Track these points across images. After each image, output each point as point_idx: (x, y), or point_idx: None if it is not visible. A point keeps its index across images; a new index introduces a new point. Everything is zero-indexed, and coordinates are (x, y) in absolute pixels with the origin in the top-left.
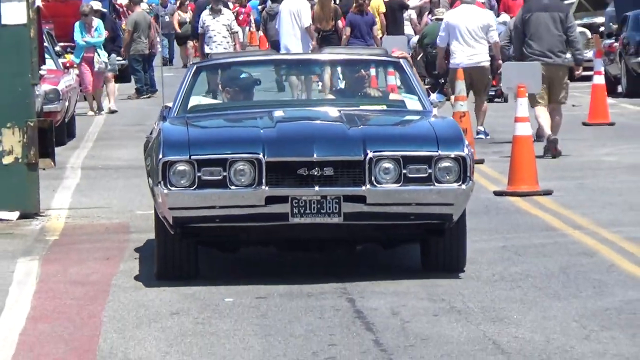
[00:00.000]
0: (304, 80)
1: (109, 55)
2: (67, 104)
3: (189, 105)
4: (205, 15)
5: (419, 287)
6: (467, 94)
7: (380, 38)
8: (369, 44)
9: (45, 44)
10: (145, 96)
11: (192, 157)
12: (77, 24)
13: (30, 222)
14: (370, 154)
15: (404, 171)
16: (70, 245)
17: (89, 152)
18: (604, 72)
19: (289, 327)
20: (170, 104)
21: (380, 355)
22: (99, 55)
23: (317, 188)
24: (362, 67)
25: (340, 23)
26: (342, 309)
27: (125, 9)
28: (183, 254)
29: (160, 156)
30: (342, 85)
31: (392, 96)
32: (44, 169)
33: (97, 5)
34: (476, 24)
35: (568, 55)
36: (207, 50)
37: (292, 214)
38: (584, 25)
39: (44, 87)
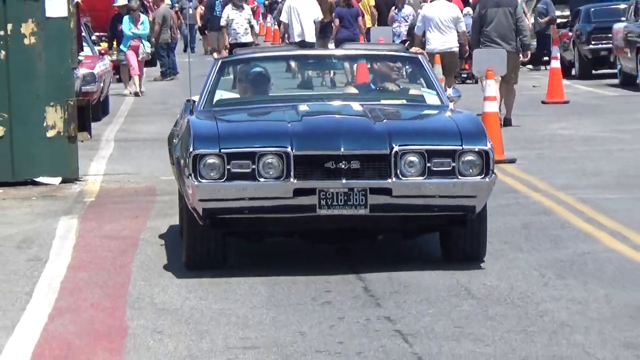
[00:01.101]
0: (324, 75)
1: None
2: (102, 85)
3: (215, 100)
4: (229, 10)
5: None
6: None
7: (369, 29)
8: (354, 32)
9: (83, 34)
10: (168, 78)
11: (222, 150)
12: (125, 18)
13: (70, 186)
14: (395, 148)
15: (429, 164)
16: (104, 205)
17: (120, 127)
18: (559, 58)
19: (292, 278)
20: (194, 98)
21: (369, 300)
22: (143, 45)
23: (344, 181)
24: (381, 62)
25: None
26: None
27: (151, 3)
28: (211, 244)
29: (191, 149)
30: (362, 80)
31: (412, 91)
32: (82, 141)
33: (123, 1)
34: (447, 16)
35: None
36: (230, 40)
37: (319, 205)
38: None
39: (82, 71)
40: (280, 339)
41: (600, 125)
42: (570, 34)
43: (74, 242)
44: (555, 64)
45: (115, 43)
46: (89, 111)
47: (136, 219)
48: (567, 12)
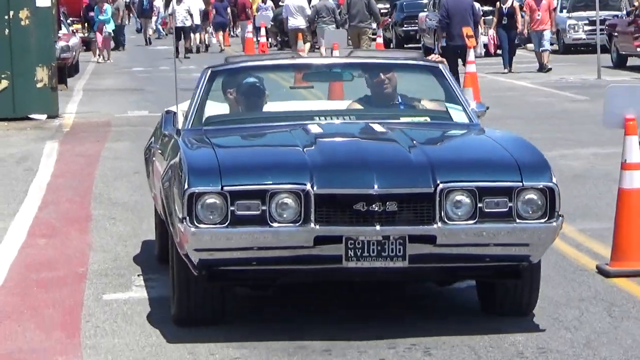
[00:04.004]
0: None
1: None
2: (74, 53)
3: (205, 116)
4: (175, 4)
5: None
6: None
7: (344, 23)
8: (226, 19)
9: (62, 18)
10: (120, 49)
11: (224, 187)
12: (95, 7)
13: (53, 120)
14: (440, 185)
15: (480, 205)
16: (76, 133)
17: (87, 81)
18: (382, 36)
19: None
20: (172, 109)
21: None
22: (106, 27)
23: (378, 227)
24: (397, 72)
25: None
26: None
27: None
28: (208, 299)
29: (186, 186)
30: (377, 92)
31: (433, 106)
32: (61, 90)
33: None
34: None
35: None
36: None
37: (346, 257)
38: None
39: (60, 43)
40: None
41: None
42: (389, 20)
43: (56, 158)
44: (380, 40)
45: (87, 25)
46: (65, 70)
47: (98, 142)
48: (387, 5)
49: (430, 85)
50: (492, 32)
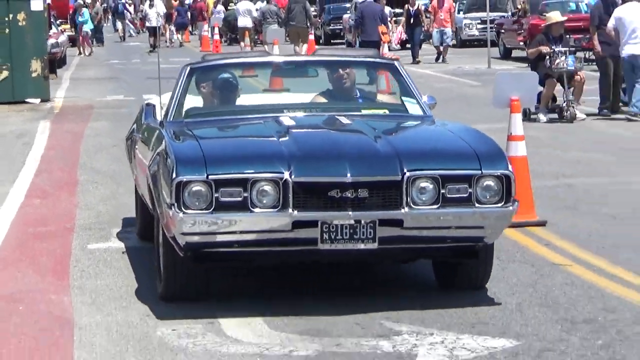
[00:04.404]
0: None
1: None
2: (62, 49)
3: (185, 109)
4: (147, 7)
5: None
6: None
7: (285, 23)
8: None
9: (52, 20)
10: (99, 45)
11: (209, 176)
12: (76, 12)
13: (45, 104)
14: (407, 173)
15: (443, 191)
16: (64, 114)
17: (73, 72)
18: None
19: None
20: (151, 101)
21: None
22: (84, 27)
23: (350, 212)
24: (356, 69)
25: None
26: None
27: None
28: (192, 278)
29: (174, 175)
30: (338, 87)
31: (389, 99)
32: (52, 79)
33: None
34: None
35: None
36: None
37: (321, 239)
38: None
39: (51, 40)
40: None
41: None
42: (319, 20)
43: (48, 134)
44: (311, 37)
45: (74, 26)
46: (55, 63)
47: (82, 122)
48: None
49: (385, 80)
50: (401, 28)
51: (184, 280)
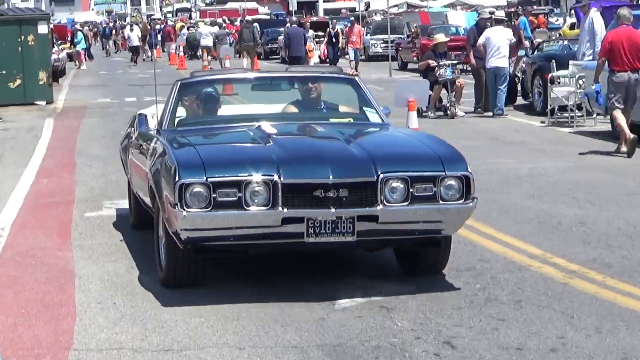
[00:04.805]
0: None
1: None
2: (62, 63)
3: (177, 119)
4: (128, 31)
5: None
6: None
7: (237, 43)
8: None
9: (54, 41)
10: (90, 61)
11: (208, 179)
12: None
13: (50, 105)
14: (382, 175)
15: (412, 190)
16: (65, 113)
17: (71, 81)
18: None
19: None
20: (144, 112)
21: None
22: (78, 47)
23: (333, 210)
24: (322, 84)
25: None
26: None
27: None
28: (192, 267)
29: (177, 179)
30: (307, 99)
31: (349, 109)
32: (54, 86)
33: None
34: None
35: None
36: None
37: (307, 234)
38: None
39: (54, 56)
40: None
41: None
42: (261, 41)
43: (52, 129)
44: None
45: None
46: (57, 73)
47: (78, 119)
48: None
49: (350, 93)
50: (323, 47)
51: (185, 269)
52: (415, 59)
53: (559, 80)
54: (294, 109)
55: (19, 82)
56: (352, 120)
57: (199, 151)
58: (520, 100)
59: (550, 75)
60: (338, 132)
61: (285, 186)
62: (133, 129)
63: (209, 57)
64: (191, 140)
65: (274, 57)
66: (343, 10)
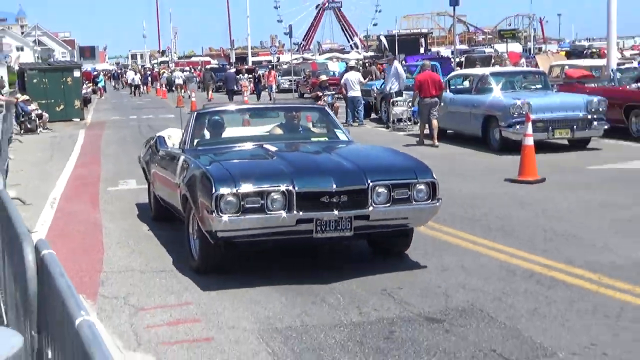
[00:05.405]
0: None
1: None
2: (89, 95)
3: (195, 141)
4: (130, 72)
5: None
6: None
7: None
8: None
9: (83, 80)
10: (106, 94)
11: (238, 190)
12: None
13: (82, 121)
14: (371, 183)
15: (393, 194)
16: (93, 126)
17: (95, 105)
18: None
19: None
20: (161, 134)
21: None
22: (99, 85)
23: (335, 212)
24: (301, 112)
25: None
26: None
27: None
28: (223, 258)
29: (214, 190)
30: (290, 123)
31: (320, 130)
32: (84, 109)
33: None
34: None
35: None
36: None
37: (315, 231)
38: None
39: (83, 91)
40: None
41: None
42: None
43: (84, 136)
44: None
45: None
46: (86, 101)
47: (100, 130)
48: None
49: (320, 118)
50: (252, 84)
51: (216, 260)
52: (308, 90)
53: (397, 103)
54: (279, 130)
55: (62, 106)
56: (327, 139)
57: (226, 167)
58: (373, 115)
59: (391, 100)
60: (323, 148)
61: (298, 194)
62: (154, 146)
63: (182, 91)
64: (215, 157)
65: (220, 90)
66: (263, 62)
